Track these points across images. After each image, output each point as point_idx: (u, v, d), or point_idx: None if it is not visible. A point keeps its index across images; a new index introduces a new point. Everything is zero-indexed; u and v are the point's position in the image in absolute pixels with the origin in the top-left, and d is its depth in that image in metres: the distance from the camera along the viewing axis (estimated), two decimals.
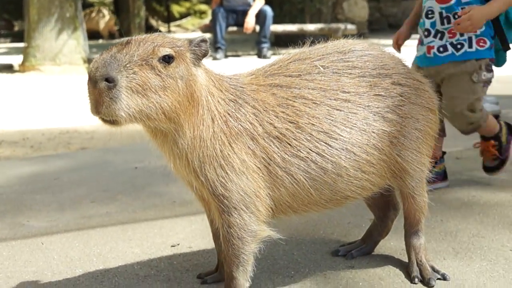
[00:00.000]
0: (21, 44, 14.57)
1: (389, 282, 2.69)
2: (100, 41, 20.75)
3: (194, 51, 2.31)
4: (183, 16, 27.73)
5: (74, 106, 8.50)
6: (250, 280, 2.48)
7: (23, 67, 12.52)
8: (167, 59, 2.20)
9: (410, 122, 2.57)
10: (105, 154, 5.64)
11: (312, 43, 2.71)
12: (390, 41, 4.09)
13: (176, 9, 27.58)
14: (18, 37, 20.59)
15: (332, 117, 2.45)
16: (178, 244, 3.15)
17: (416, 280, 2.69)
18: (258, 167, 2.39)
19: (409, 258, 2.77)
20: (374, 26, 19.10)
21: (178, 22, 28.01)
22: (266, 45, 14.03)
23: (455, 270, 2.77)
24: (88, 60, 12.81)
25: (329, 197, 2.51)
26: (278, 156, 2.39)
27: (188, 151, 2.31)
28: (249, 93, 2.44)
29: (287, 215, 2.57)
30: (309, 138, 2.42)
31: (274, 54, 14.02)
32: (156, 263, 2.94)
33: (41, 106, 8.32)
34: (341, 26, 14.11)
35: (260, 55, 13.99)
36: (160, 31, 2.46)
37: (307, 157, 2.41)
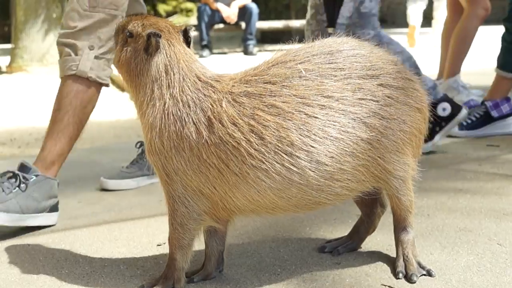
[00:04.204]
0: (9, 46, 14.49)
1: (376, 278, 2.68)
2: None
3: (146, 41, 2.53)
4: (169, 14, 27.64)
5: None
6: (188, 263, 2.63)
7: (10, 68, 12.51)
8: (128, 33, 2.59)
9: (395, 124, 2.51)
10: (92, 154, 5.62)
11: (299, 41, 2.64)
12: None
13: (162, 7, 27.47)
14: (5, 38, 20.48)
15: (306, 126, 2.38)
16: (164, 243, 3.13)
17: (400, 275, 2.66)
18: (207, 171, 2.43)
19: (397, 253, 2.76)
20: None
21: None
22: (252, 42, 14.06)
23: (442, 265, 2.77)
24: None
25: (296, 203, 2.49)
26: (236, 165, 2.39)
27: (142, 125, 2.58)
28: (208, 101, 2.46)
29: (252, 216, 2.68)
30: (274, 150, 2.37)
31: (260, 51, 14.03)
32: (142, 263, 2.93)
33: (29, 106, 8.29)
34: None
35: (246, 52, 14.03)
36: None
37: (271, 169, 2.38)
